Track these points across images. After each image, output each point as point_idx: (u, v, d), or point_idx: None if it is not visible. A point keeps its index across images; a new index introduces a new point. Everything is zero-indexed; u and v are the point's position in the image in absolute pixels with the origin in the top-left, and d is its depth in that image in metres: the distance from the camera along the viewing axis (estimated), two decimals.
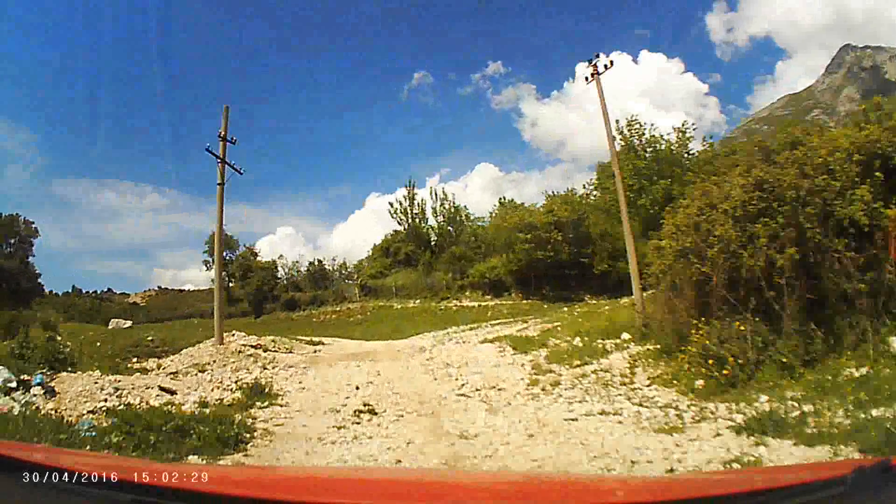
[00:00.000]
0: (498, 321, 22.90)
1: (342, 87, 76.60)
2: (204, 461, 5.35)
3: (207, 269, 48.08)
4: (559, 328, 14.67)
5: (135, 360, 14.84)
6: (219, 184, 15.78)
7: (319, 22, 76.39)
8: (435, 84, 70.40)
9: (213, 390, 9.28)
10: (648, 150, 30.40)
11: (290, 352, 15.35)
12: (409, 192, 43.70)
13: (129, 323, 18.64)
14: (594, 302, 25.81)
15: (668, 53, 65.56)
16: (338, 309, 37.97)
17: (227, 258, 46.76)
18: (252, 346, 14.72)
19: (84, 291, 59.31)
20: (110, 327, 18.36)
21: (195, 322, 34.04)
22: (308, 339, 20.73)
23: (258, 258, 47.03)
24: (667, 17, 69.07)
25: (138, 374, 11.40)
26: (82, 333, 24.82)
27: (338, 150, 77.92)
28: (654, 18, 72.22)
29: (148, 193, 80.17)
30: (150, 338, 14.43)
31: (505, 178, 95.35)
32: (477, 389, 8.68)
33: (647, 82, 57.16)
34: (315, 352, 16.05)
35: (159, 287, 64.97)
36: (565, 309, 23.85)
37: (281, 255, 49.54)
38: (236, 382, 9.82)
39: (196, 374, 11.29)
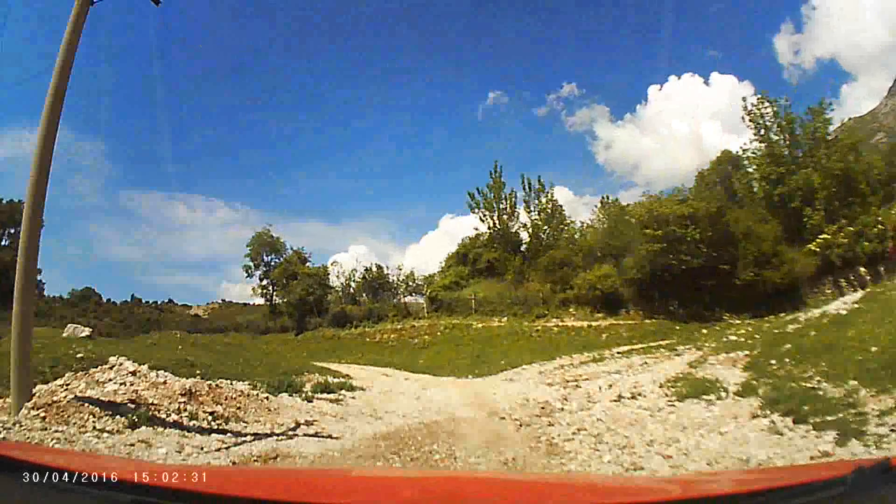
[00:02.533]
0: (624, 349, 21.77)
1: (416, 105, 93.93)
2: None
3: (248, 277, 49.57)
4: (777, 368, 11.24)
5: None
6: None
7: (392, 45, 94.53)
8: (510, 104, 78.20)
9: None
10: (785, 134, 31.28)
11: (264, 416, 9.63)
12: (495, 180, 42.80)
13: (86, 331, 19.55)
14: (737, 322, 25.03)
15: (738, 75, 73.37)
16: (399, 327, 36.85)
17: (271, 262, 48.53)
18: (128, 407, 8.31)
19: (144, 301, 70.82)
20: (65, 335, 19.36)
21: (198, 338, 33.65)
22: (341, 368, 20.00)
23: (308, 265, 47.03)
24: (736, 39, 78.41)
25: None
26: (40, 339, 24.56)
27: (414, 170, 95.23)
28: (724, 39, 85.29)
29: (219, 208, 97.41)
30: (79, 354, 13.11)
31: (579, 201, 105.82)
32: None
33: (717, 104, 63.57)
34: (331, 409, 11.27)
35: (223, 300, 72.68)
36: (703, 331, 23.29)
37: (334, 261, 49.04)
38: None
39: None
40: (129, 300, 68.97)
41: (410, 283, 44.76)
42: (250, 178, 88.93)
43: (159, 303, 72.88)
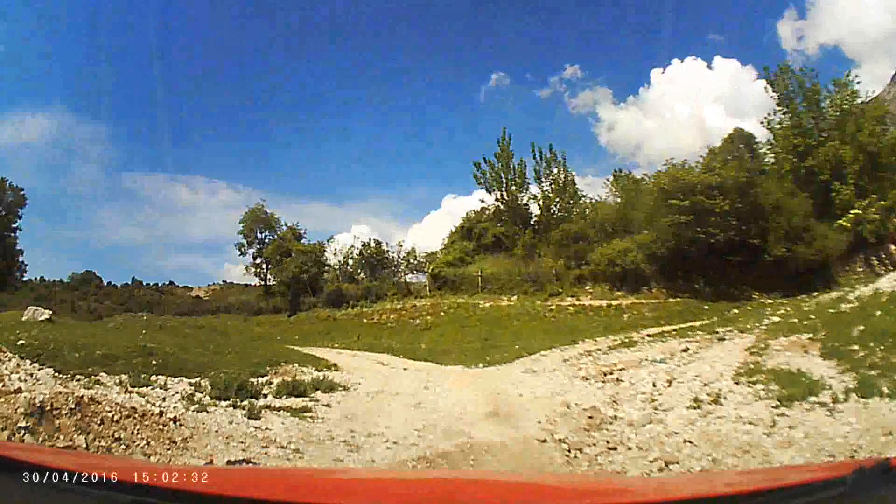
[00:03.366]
0: (654, 331, 21.11)
1: (418, 85, 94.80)
2: None
3: (242, 256, 49.64)
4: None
5: None
6: None
7: (395, 27, 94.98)
8: (512, 85, 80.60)
9: None
10: (811, 105, 31.76)
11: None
12: (503, 149, 42.43)
13: (46, 314, 19.59)
14: (769, 301, 24.98)
15: (741, 59, 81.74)
16: (399, 306, 36.38)
17: (265, 239, 48.36)
18: None
19: (145, 284, 75.42)
20: (24, 318, 19.49)
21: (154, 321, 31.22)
22: (329, 356, 19.36)
23: (303, 241, 46.63)
24: (740, 23, 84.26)
25: None
26: None
27: (416, 151, 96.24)
28: (728, 23, 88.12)
29: (221, 189, 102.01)
30: (20, 342, 12.56)
31: (581, 181, 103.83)
32: None
33: (720, 88, 69.82)
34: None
35: (224, 281, 74.69)
36: (735, 311, 23.10)
37: (331, 237, 48.00)
38: None
39: None
40: (129, 283, 73.07)
41: (412, 261, 44.86)
42: (252, 158, 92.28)
43: (160, 285, 76.76)
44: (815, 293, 23.26)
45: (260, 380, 12.27)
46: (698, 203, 27.58)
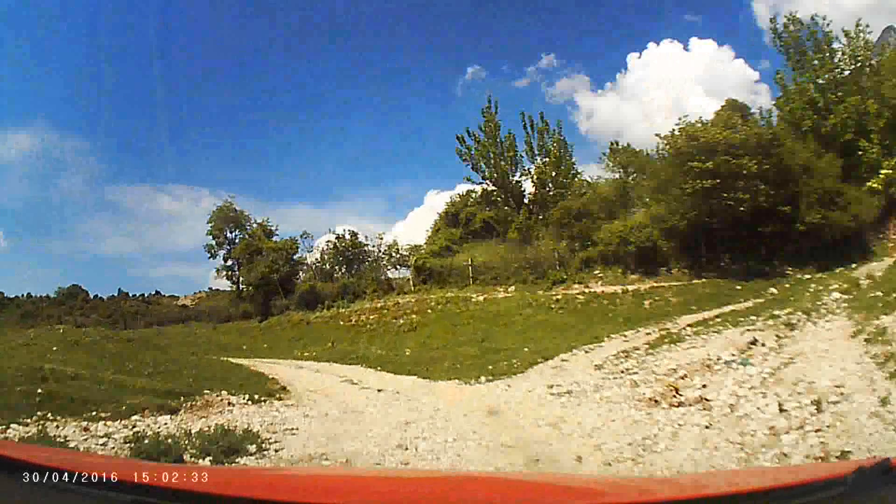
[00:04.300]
0: (692, 320, 20.11)
1: (394, 80, 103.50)
2: None
3: (211, 258, 49.98)
4: None
5: None
6: None
7: (368, 17, 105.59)
8: (489, 78, 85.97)
9: None
10: (823, 56, 32.12)
11: None
12: (488, 118, 41.70)
13: None
14: (806, 277, 24.99)
15: (718, 40, 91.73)
16: (379, 305, 36.08)
17: (235, 239, 48.55)
18: None
19: (131, 295, 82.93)
20: None
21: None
22: (282, 373, 18.42)
23: (274, 239, 47.28)
24: (714, 2, 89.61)
25: None
26: None
27: (396, 148, 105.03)
28: (702, 2, 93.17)
29: (204, 197, 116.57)
30: None
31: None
32: None
33: (698, 70, 75.00)
34: None
35: (210, 288, 79.25)
36: (773, 290, 22.81)
37: (305, 233, 48.04)
38: None
39: None
40: (115, 295, 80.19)
41: (394, 254, 44.81)
42: (233, 164, 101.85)
43: (146, 295, 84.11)
44: (853, 264, 23.70)
45: (158, 419, 10.90)
46: (723, 164, 26.97)
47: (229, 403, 13.00)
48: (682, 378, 11.36)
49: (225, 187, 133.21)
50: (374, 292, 38.99)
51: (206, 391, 13.74)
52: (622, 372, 13.62)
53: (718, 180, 26.78)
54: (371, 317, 34.52)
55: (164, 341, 33.71)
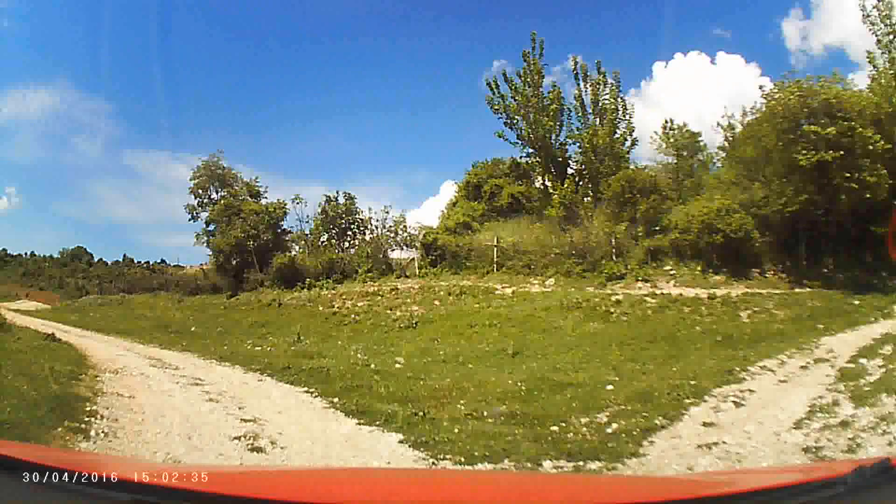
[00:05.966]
0: (840, 342, 17.95)
1: (419, 67, 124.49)
2: None
3: (192, 221, 49.01)
4: None
5: None
6: None
7: (396, 10, 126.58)
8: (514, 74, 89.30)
9: None
10: None
11: None
12: (530, 63, 40.48)
13: None
14: None
15: (745, 56, 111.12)
16: (373, 289, 34.66)
17: (220, 201, 47.37)
18: None
19: (136, 262, 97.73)
20: None
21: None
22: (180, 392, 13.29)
23: (260, 200, 46.69)
24: (744, 19, 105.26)
25: None
26: None
27: (416, 136, 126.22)
28: (732, 19, 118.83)
29: None
30: None
31: None
32: None
33: (723, 84, 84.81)
34: None
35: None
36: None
37: (297, 196, 45.81)
38: None
39: None
40: (120, 260, 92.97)
41: (401, 232, 42.78)
42: (252, 137, 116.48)
43: (151, 263, 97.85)
44: None
45: None
46: (848, 132, 25.47)
47: None
48: None
49: (242, 161, 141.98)
50: (368, 272, 38.04)
51: None
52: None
53: (842, 152, 25.35)
54: (359, 304, 32.97)
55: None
